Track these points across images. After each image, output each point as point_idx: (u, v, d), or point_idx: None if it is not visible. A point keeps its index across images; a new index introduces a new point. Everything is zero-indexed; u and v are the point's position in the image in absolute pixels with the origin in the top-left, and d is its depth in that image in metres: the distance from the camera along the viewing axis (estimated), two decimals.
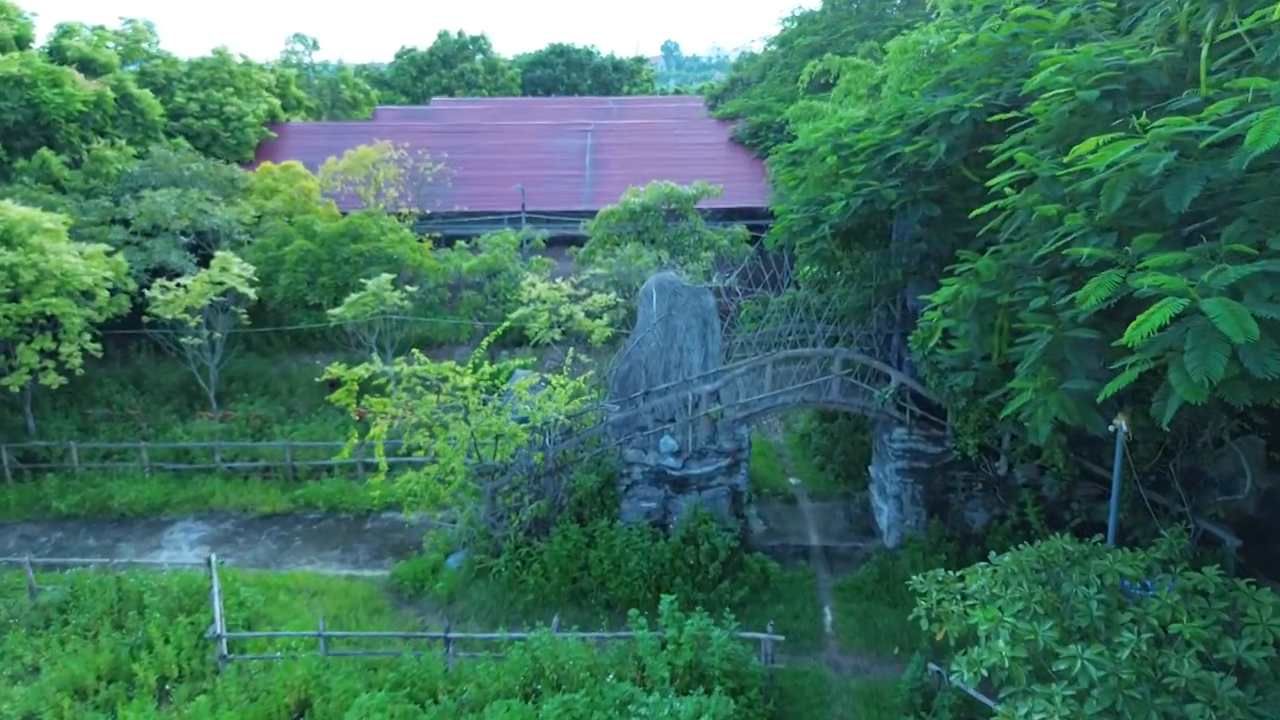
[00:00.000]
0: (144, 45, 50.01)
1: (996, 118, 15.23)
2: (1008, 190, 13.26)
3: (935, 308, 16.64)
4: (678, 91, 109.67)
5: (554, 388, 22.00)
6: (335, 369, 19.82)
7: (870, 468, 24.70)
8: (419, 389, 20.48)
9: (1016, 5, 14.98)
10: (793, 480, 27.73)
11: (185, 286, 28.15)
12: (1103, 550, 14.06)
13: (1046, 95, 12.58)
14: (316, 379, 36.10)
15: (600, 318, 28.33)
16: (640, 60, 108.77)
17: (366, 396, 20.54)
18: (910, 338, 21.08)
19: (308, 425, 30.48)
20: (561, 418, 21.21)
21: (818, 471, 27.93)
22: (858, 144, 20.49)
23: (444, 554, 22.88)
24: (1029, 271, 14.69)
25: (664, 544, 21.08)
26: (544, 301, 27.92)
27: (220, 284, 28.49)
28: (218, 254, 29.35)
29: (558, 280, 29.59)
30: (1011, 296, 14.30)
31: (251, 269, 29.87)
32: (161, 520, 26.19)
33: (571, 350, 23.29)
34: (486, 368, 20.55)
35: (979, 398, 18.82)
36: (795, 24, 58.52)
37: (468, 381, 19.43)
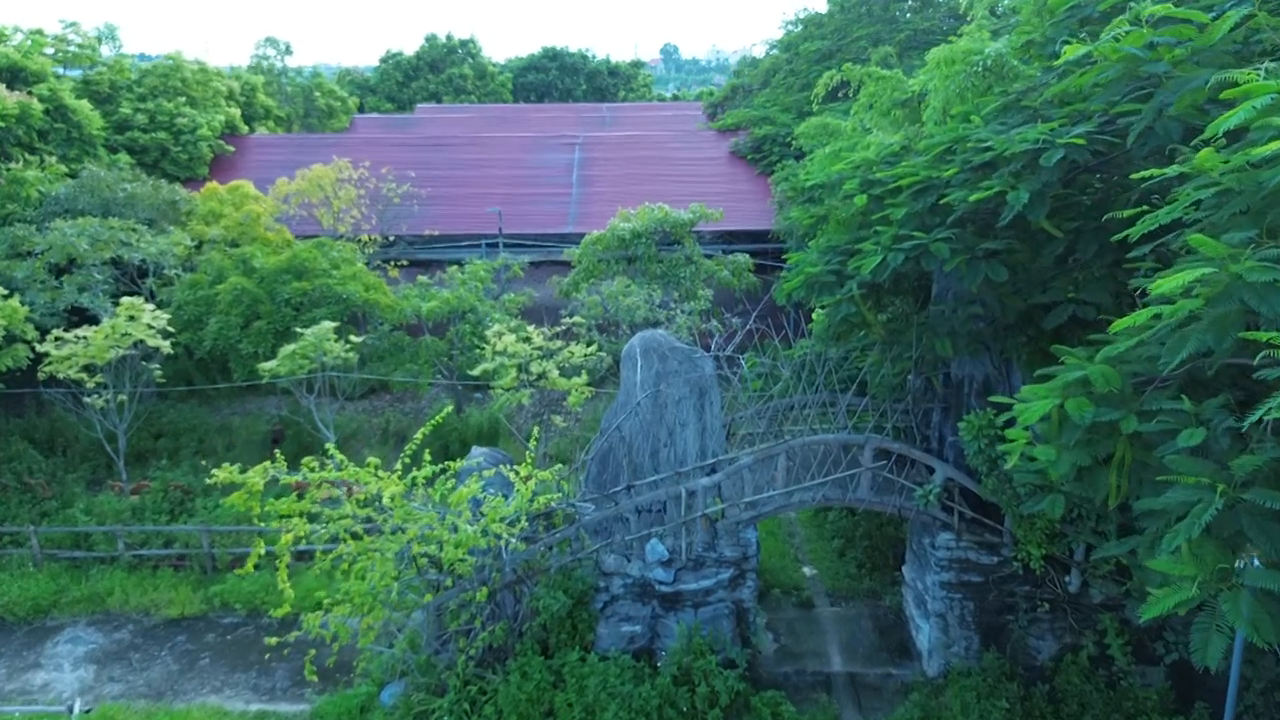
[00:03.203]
0: (89, 51, 45.51)
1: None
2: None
3: (1007, 408, 12.22)
4: (676, 97, 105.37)
5: (517, 479, 17.53)
6: (224, 472, 15.40)
7: (905, 569, 20.25)
8: (336, 494, 16.07)
9: (1150, 4, 10.52)
10: (807, 570, 23.29)
11: (84, 339, 23.67)
12: None
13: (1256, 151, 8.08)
14: (265, 427, 32.07)
15: (579, 374, 23.90)
16: (637, 64, 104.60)
17: (272, 501, 16.08)
18: (962, 425, 16.67)
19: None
20: (522, 519, 16.75)
21: (837, 559, 23.47)
22: (895, 181, 16.09)
23: (378, 684, 18.40)
24: (1164, 384, 10.28)
25: (650, 687, 16.62)
26: (511, 356, 23.51)
27: (128, 335, 24.00)
28: (124, 300, 24.85)
29: (530, 328, 25.14)
30: (1143, 424, 9.89)
31: (165, 317, 25.37)
32: (47, 626, 21.71)
33: (536, 432, 18.83)
34: (426, 466, 16.13)
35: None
36: (800, 27, 54.22)
37: (392, 490, 15.02)
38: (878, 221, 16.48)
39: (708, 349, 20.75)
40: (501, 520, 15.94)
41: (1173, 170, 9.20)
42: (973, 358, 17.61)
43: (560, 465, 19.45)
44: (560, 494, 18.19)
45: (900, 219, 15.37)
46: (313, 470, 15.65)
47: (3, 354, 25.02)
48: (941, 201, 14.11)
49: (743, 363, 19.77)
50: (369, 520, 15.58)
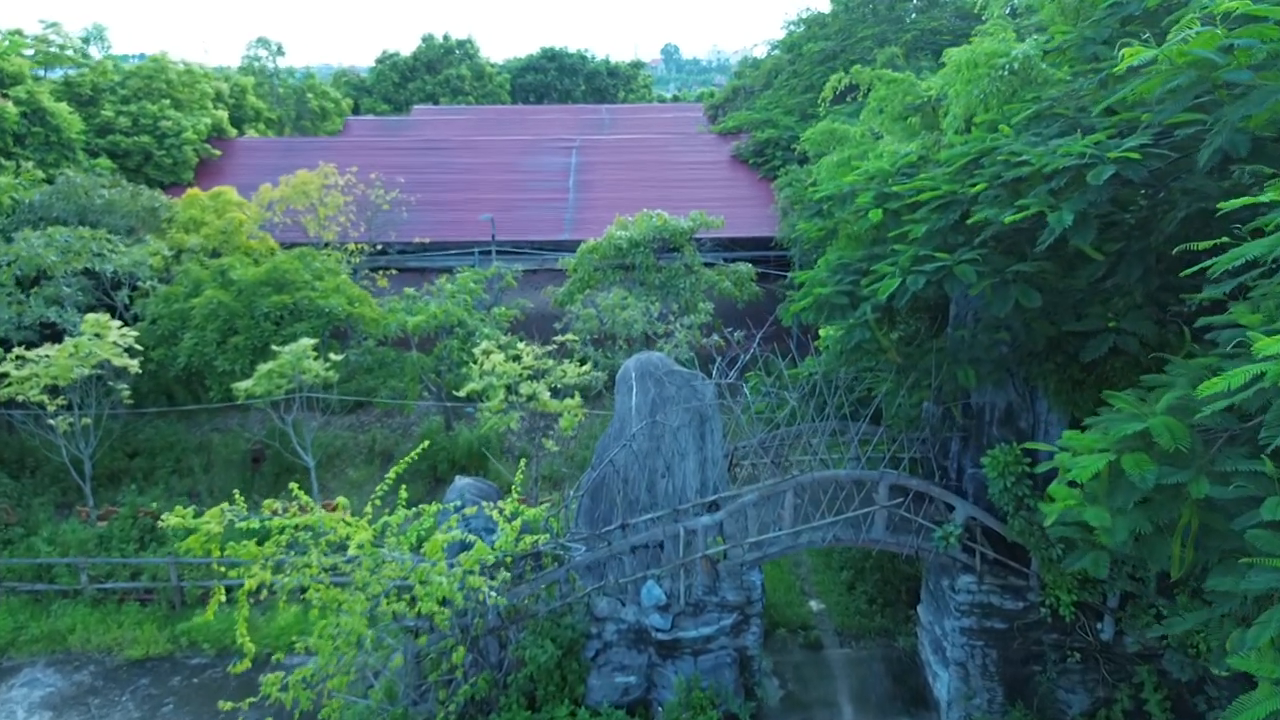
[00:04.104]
0: (70, 52, 44.14)
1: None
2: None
3: (1042, 453, 10.86)
4: (676, 98, 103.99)
5: (501, 518, 16.11)
6: (176, 517, 13.98)
7: (920, 610, 18.84)
8: (303, 539, 14.66)
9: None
10: (814, 604, 21.89)
11: (46, 358, 22.24)
12: None
13: None
14: (246, 445, 30.60)
15: (572, 395, 22.48)
16: (637, 65, 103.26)
17: (233, 545, 14.64)
18: (985, 460, 15.27)
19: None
20: (503, 570, 15.34)
21: (846, 592, 22.05)
22: (913, 195, 14.70)
23: None
24: (1235, 437, 8.88)
25: None
26: (499, 376, 22.11)
27: (93, 354, 22.57)
28: (89, 317, 23.45)
29: (521, 345, 23.73)
30: (1215, 487, 8.49)
31: (133, 335, 23.96)
32: (4, 667, 20.30)
33: (524, 464, 17.40)
34: (399, 510, 14.71)
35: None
36: (802, 27, 52.78)
37: (361, 538, 13.62)
38: (894, 238, 15.08)
39: (709, 366, 19.34)
40: (481, 567, 14.52)
41: (1269, 196, 7.79)
42: (996, 387, 16.20)
43: (547, 504, 18.01)
44: (548, 533, 16.78)
45: (920, 237, 13.96)
46: (275, 514, 14.25)
47: None
48: (968, 221, 12.69)
49: (745, 389, 18.35)
50: (335, 568, 14.17)
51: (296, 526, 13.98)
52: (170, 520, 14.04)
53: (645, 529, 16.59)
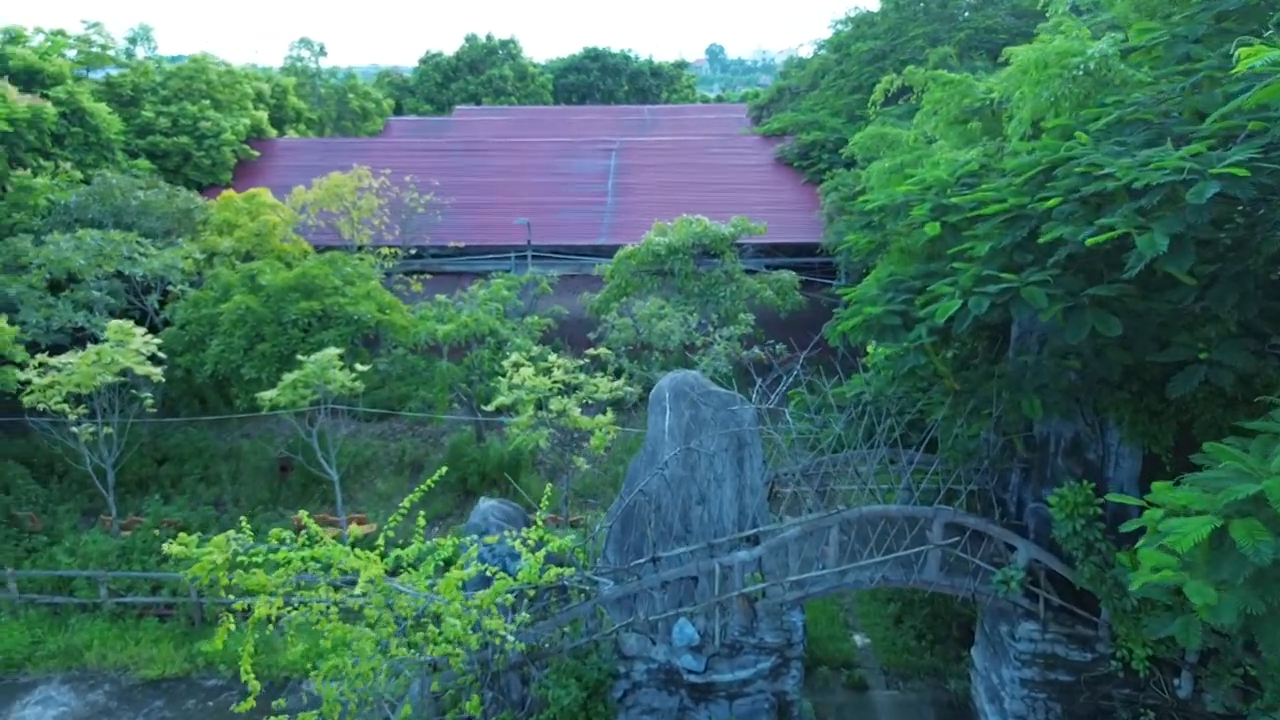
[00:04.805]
0: (112, 52, 44.15)
1: None
2: None
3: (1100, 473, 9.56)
4: (720, 98, 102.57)
5: (525, 549, 15.09)
6: (178, 545, 13.22)
7: (975, 654, 17.47)
8: (313, 569, 13.80)
9: None
10: (859, 639, 20.61)
11: (67, 366, 21.74)
12: None
13: None
14: (275, 453, 29.99)
15: (604, 411, 21.46)
16: (681, 65, 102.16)
17: (241, 574, 13.84)
18: (1052, 500, 13.94)
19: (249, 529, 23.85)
20: (523, 610, 14.35)
21: (893, 626, 20.75)
22: (974, 208, 13.42)
23: None
24: None
25: None
26: (529, 391, 21.15)
27: (115, 362, 22.03)
28: (112, 323, 22.94)
29: (553, 357, 22.76)
30: None
31: (156, 343, 23.42)
32: (19, 683, 19.82)
33: (549, 488, 16.37)
34: (416, 542, 13.76)
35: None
36: (850, 26, 51.28)
37: (371, 573, 12.71)
38: (953, 255, 13.82)
39: (749, 380, 18.19)
40: (498, 607, 13.54)
41: None
42: (1064, 418, 14.83)
43: (573, 536, 16.97)
44: (574, 566, 15.75)
45: (984, 255, 12.68)
46: (283, 543, 13.39)
47: None
48: (1039, 240, 11.40)
49: (788, 412, 17.14)
50: (344, 603, 13.28)
51: (304, 559, 13.10)
52: (173, 549, 13.25)
53: (678, 563, 15.49)
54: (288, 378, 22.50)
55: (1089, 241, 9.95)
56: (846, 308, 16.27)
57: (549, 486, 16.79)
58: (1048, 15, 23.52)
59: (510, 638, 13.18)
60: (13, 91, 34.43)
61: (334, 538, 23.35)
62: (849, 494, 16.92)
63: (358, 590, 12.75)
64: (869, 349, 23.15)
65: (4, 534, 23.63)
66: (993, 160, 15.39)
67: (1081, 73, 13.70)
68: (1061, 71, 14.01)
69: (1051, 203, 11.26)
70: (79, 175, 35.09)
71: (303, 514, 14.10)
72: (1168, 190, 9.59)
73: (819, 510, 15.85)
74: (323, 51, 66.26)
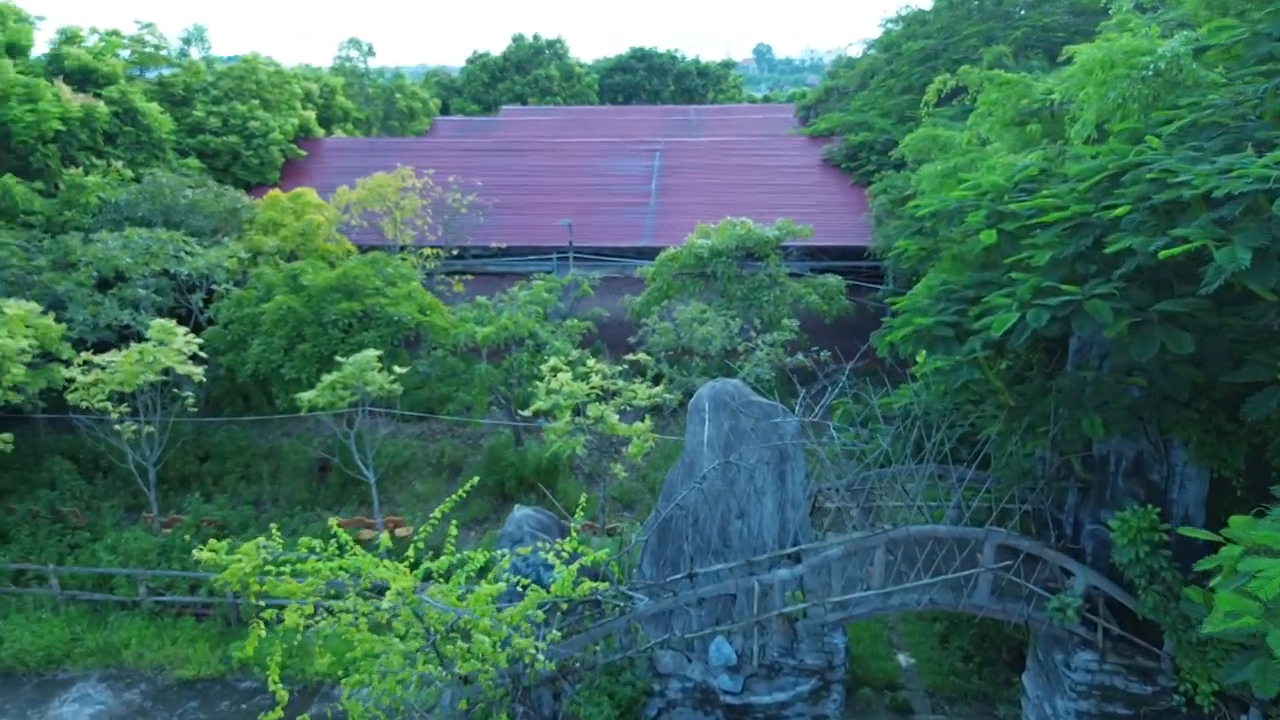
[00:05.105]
0: (165, 52, 44.79)
1: None
2: None
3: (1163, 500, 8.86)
4: (767, 98, 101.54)
5: (556, 562, 14.69)
6: (208, 551, 13.10)
7: (1026, 680, 16.69)
8: (343, 577, 13.57)
9: None
10: (903, 658, 19.92)
11: (109, 365, 21.88)
12: None
13: None
14: (316, 452, 30.01)
15: (642, 418, 21.03)
16: (728, 65, 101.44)
17: (271, 580, 13.65)
18: (1114, 524, 13.19)
19: (281, 536, 23.74)
20: (554, 629, 13.97)
21: (939, 645, 20.03)
22: (1034, 215, 12.73)
23: None
24: None
25: None
26: (566, 397, 20.79)
27: (157, 361, 22.13)
28: (155, 323, 23.06)
29: (591, 361, 22.37)
30: None
31: (198, 342, 23.50)
32: (58, 679, 19.98)
33: (584, 498, 15.95)
34: (448, 554, 13.42)
35: None
36: (901, 25, 50.23)
37: (401, 585, 12.42)
38: (1009, 264, 13.14)
39: (793, 388, 17.58)
40: (529, 625, 13.17)
41: None
42: (1126, 436, 14.06)
43: (608, 549, 16.55)
44: (608, 581, 15.33)
45: (1044, 265, 12.00)
46: (311, 549, 13.16)
47: (38, 374, 23.58)
48: (1106, 251, 10.71)
49: (832, 426, 16.52)
50: (373, 615, 13.01)
51: (333, 569, 12.86)
52: (202, 555, 13.12)
53: (715, 580, 15.00)
54: (326, 379, 22.43)
55: (1163, 254, 9.27)
56: (894, 315, 15.64)
57: (583, 498, 16.40)
58: (1110, 13, 22.61)
59: (540, 656, 12.80)
60: (66, 91, 35.05)
61: (370, 540, 23.38)
62: (895, 511, 16.27)
63: (385, 603, 12.45)
64: (918, 358, 22.44)
65: (48, 529, 23.90)
66: (1053, 165, 14.65)
67: (1151, 73, 12.94)
68: (1129, 71, 13.26)
69: (1119, 211, 10.57)
70: (130, 174, 35.60)
71: (333, 521, 13.82)
72: (1250, 200, 8.88)
73: (864, 528, 15.25)
74: (371, 52, 66.79)
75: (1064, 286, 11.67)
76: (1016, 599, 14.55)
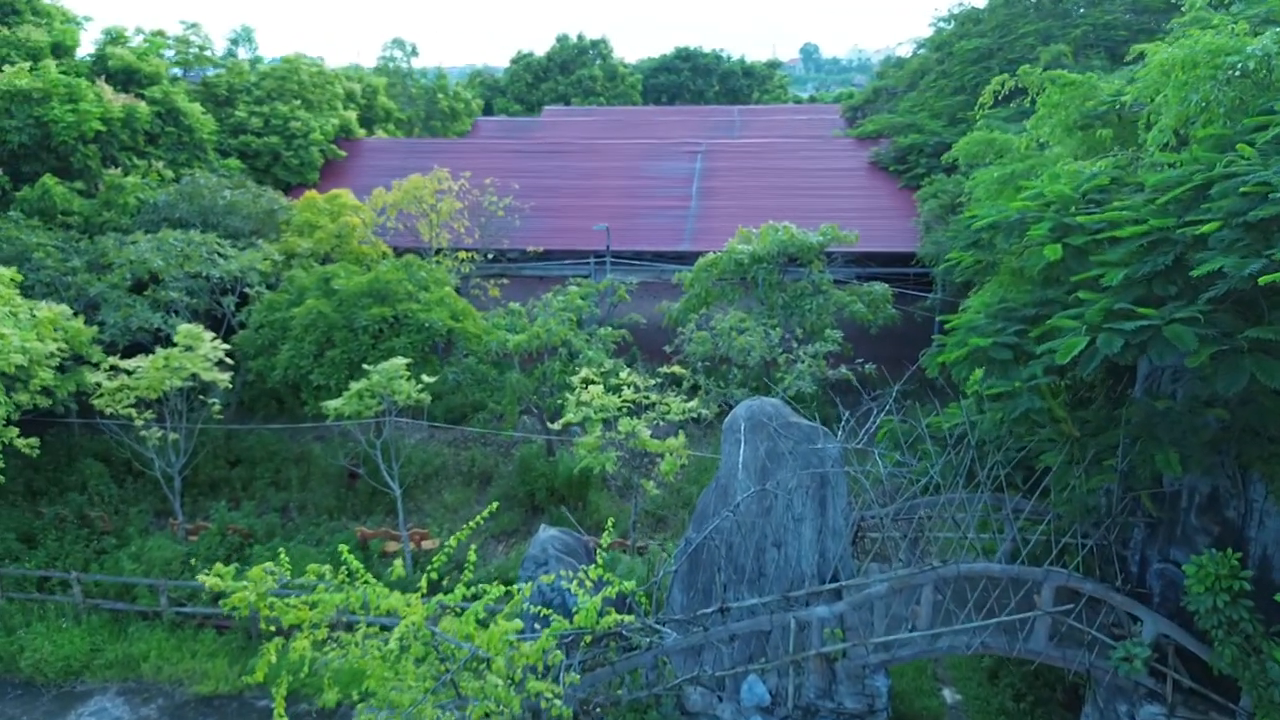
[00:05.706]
0: (209, 53, 44.90)
1: None
2: None
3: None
4: (813, 99, 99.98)
5: (580, 593, 13.84)
6: (213, 578, 12.50)
7: None
8: (353, 606, 12.88)
9: None
10: (948, 694, 18.75)
11: (135, 371, 21.53)
12: None
13: None
14: (346, 458, 29.56)
15: (676, 434, 20.13)
16: (774, 65, 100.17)
17: (280, 604, 13.01)
18: (1189, 570, 12.00)
19: (307, 545, 23.39)
20: (573, 669, 13.13)
21: (987, 682, 18.78)
22: (1104, 229, 11.59)
23: None
24: None
25: None
26: (597, 410, 19.97)
27: (183, 368, 21.74)
28: (181, 328, 22.71)
29: (625, 373, 21.54)
30: None
31: (224, 348, 23.09)
32: (76, 691, 19.64)
33: (611, 523, 15.09)
34: (460, 588, 12.65)
35: None
36: (953, 24, 48.72)
37: (414, 618, 11.68)
38: (1076, 283, 12.01)
39: (835, 401, 16.60)
40: (545, 667, 12.35)
41: None
42: (1206, 473, 12.83)
43: (639, 560, 15.69)
44: (635, 615, 14.45)
45: (1118, 285, 10.87)
46: (320, 577, 12.50)
47: (68, 377, 23.34)
48: (1192, 272, 9.58)
49: (877, 454, 15.43)
50: (382, 647, 12.30)
51: (340, 601, 12.17)
52: (208, 580, 12.52)
53: (749, 615, 14.05)
54: (354, 387, 21.89)
55: (1264, 280, 8.15)
56: (946, 332, 14.55)
57: (610, 520, 15.54)
58: (1183, 9, 21.17)
59: (558, 701, 11.96)
60: (108, 91, 35.07)
61: (395, 553, 22.74)
62: (945, 544, 15.16)
63: (393, 638, 11.72)
64: (971, 375, 21.21)
65: (75, 534, 23.68)
66: (1125, 173, 13.46)
67: (1238, 74, 11.73)
68: (1214, 72, 12.06)
69: (1208, 228, 9.45)
70: (170, 174, 35.55)
71: (342, 549, 13.11)
72: None
73: (911, 562, 14.18)
74: (414, 52, 66.76)
75: (1140, 309, 10.55)
76: (1077, 645, 13.40)
